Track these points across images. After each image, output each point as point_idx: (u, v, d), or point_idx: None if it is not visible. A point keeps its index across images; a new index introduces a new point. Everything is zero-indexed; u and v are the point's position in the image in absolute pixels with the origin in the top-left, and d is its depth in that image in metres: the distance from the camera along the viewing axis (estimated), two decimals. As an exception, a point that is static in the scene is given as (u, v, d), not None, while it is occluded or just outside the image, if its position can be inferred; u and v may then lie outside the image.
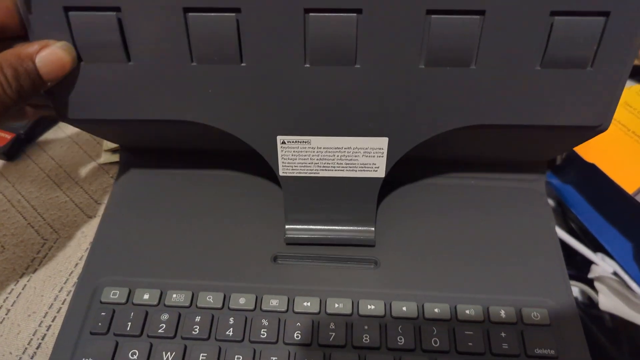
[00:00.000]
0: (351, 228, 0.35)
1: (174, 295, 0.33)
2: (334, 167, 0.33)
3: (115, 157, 0.43)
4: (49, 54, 0.28)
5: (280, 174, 0.34)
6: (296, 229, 0.35)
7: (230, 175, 0.39)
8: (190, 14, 0.28)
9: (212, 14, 0.28)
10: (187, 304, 0.33)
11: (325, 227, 0.35)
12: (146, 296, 0.33)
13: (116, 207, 0.38)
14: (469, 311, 0.33)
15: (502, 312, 0.33)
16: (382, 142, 0.32)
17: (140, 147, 0.40)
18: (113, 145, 0.43)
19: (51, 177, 0.41)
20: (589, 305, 0.47)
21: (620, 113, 0.45)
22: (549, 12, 0.27)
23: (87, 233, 0.38)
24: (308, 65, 0.29)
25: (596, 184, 0.43)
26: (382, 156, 0.32)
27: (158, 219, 0.37)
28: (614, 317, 0.44)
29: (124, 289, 0.33)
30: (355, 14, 0.28)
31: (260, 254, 0.35)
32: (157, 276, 0.34)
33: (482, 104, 0.30)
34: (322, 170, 0.33)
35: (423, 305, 0.33)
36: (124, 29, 0.29)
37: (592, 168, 0.42)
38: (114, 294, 0.33)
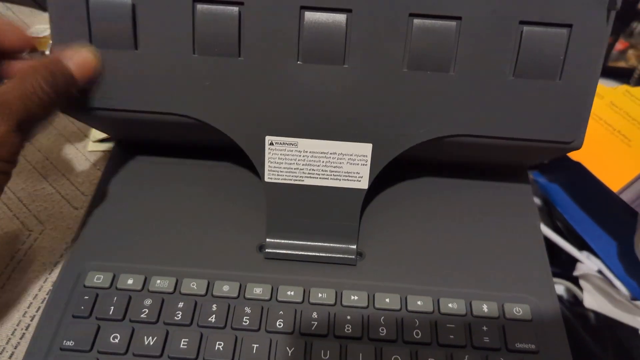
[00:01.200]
0: (333, 245, 0.35)
1: (158, 281, 0.33)
2: (319, 174, 0.34)
3: (103, 147, 0.43)
4: (78, 56, 0.30)
5: (266, 179, 0.34)
6: (276, 244, 0.35)
7: (219, 165, 0.40)
8: (198, 4, 0.30)
9: (218, 6, 0.30)
10: (171, 290, 0.33)
11: (307, 243, 0.35)
12: (130, 281, 0.33)
13: (104, 194, 0.38)
14: (451, 305, 0.33)
15: (485, 307, 0.33)
16: (366, 149, 0.33)
17: (131, 139, 0.40)
18: (101, 135, 0.43)
19: (37, 169, 0.41)
20: (574, 303, 0.47)
21: (606, 113, 0.45)
22: (519, 21, 0.30)
23: (72, 225, 0.38)
24: (300, 63, 0.31)
25: (582, 183, 0.44)
26: (366, 164, 0.33)
27: (145, 207, 0.37)
28: (598, 315, 0.44)
29: (108, 273, 0.33)
30: (345, 14, 0.30)
31: (246, 243, 0.35)
32: (142, 262, 0.34)
33: (459, 112, 0.32)
34: (307, 177, 0.34)
35: (406, 298, 0.33)
36: (136, 16, 0.31)
37: (578, 167, 0.43)
38: (98, 279, 0.33)
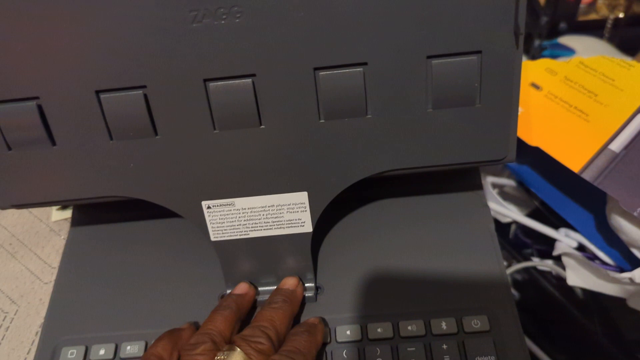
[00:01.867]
0: None
1: (129, 347, 0.34)
2: (262, 226, 0.34)
3: (67, 214, 0.44)
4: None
5: (212, 239, 0.35)
6: None
7: (177, 221, 0.40)
8: (102, 95, 0.30)
9: (121, 93, 0.30)
10: (142, 353, 0.34)
11: (266, 288, 0.36)
12: (102, 352, 0.34)
13: (68, 267, 0.39)
14: (410, 327, 0.33)
15: (443, 324, 0.33)
16: (302, 197, 0.33)
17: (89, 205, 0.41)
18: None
19: (5, 247, 0.42)
20: (559, 279, 0.47)
21: (560, 89, 0.44)
22: (426, 56, 0.29)
23: (44, 300, 0.39)
24: (217, 131, 0.31)
25: (548, 162, 0.43)
26: (305, 210, 0.34)
27: (110, 273, 0.38)
28: (585, 290, 0.44)
29: (81, 347, 0.35)
30: (250, 79, 0.30)
31: (210, 296, 0.36)
32: (112, 330, 0.35)
33: (385, 150, 0.32)
34: (252, 230, 0.34)
35: (366, 327, 0.34)
36: (45, 115, 0.31)
37: (538, 150, 0.42)
38: (72, 354, 0.34)
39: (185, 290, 0.37)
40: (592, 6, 0.66)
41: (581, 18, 0.65)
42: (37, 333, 0.37)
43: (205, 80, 0.30)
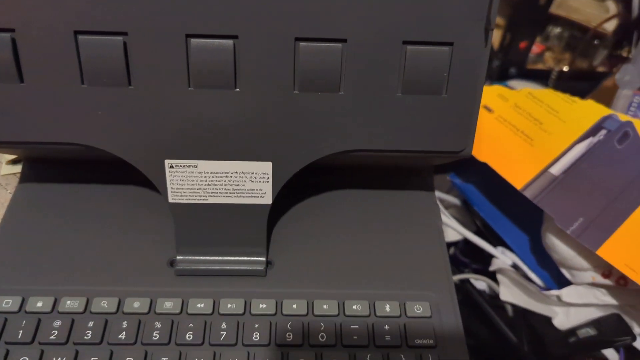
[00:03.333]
0: (243, 259, 0.36)
1: (68, 302, 0.34)
2: (222, 192, 0.35)
3: (17, 169, 0.43)
4: None
5: (170, 200, 0.35)
6: (187, 260, 0.36)
7: (127, 184, 0.40)
8: (80, 36, 0.30)
9: (101, 37, 0.30)
10: (82, 309, 0.33)
11: (217, 258, 0.36)
12: (39, 304, 0.33)
13: (12, 219, 0.38)
14: (355, 307, 0.34)
15: (387, 307, 0.34)
16: (266, 167, 0.34)
17: (40, 158, 0.40)
18: (14, 156, 0.43)
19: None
20: (493, 296, 0.50)
21: (510, 114, 0.48)
22: (402, 41, 0.31)
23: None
24: (192, 89, 0.32)
25: (494, 181, 0.46)
26: (268, 181, 0.34)
27: (54, 229, 0.37)
28: (515, 307, 0.47)
29: (17, 297, 0.34)
30: (232, 40, 0.30)
31: (156, 259, 0.36)
32: (52, 284, 0.35)
33: (353, 129, 0.33)
34: (211, 196, 0.35)
35: (313, 303, 0.34)
36: (17, 49, 0.30)
37: (486, 166, 0.45)
38: (7, 303, 0.33)
39: (132, 253, 0.36)
40: (540, 56, 0.72)
41: (530, 66, 0.70)
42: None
43: (187, 36, 0.30)
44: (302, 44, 0.31)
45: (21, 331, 0.32)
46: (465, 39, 0.31)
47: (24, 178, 0.40)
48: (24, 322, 0.32)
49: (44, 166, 0.40)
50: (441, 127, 0.33)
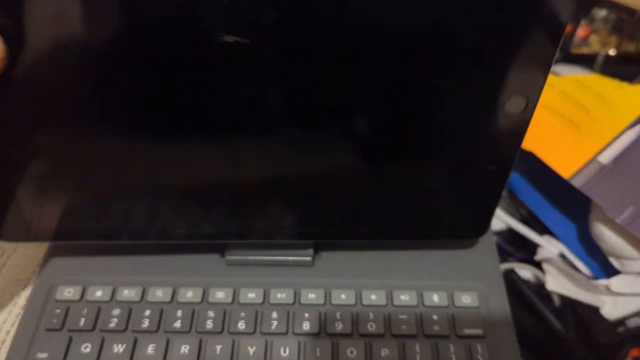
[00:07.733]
0: (290, 250, 0.37)
1: (125, 291, 0.35)
2: None
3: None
4: None
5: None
6: (237, 251, 0.37)
7: None
8: None
9: None
10: (138, 299, 0.35)
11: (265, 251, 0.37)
12: (99, 293, 0.35)
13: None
14: (403, 297, 0.35)
15: (435, 297, 0.35)
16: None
17: None
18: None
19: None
20: (539, 286, 0.49)
21: (555, 101, 0.47)
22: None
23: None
24: None
25: (540, 170, 0.45)
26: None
27: None
28: (561, 296, 0.46)
29: (78, 286, 0.35)
30: None
31: (208, 249, 0.37)
32: (110, 274, 0.36)
33: None
34: None
35: (361, 293, 0.35)
36: None
37: (531, 155, 0.44)
38: (69, 292, 0.35)
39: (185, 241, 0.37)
40: (585, 40, 0.70)
41: (574, 51, 0.68)
42: (34, 272, 0.37)
43: None
44: None
45: (83, 319, 0.34)
46: None
47: None
48: (85, 310, 0.34)
49: None
50: None
